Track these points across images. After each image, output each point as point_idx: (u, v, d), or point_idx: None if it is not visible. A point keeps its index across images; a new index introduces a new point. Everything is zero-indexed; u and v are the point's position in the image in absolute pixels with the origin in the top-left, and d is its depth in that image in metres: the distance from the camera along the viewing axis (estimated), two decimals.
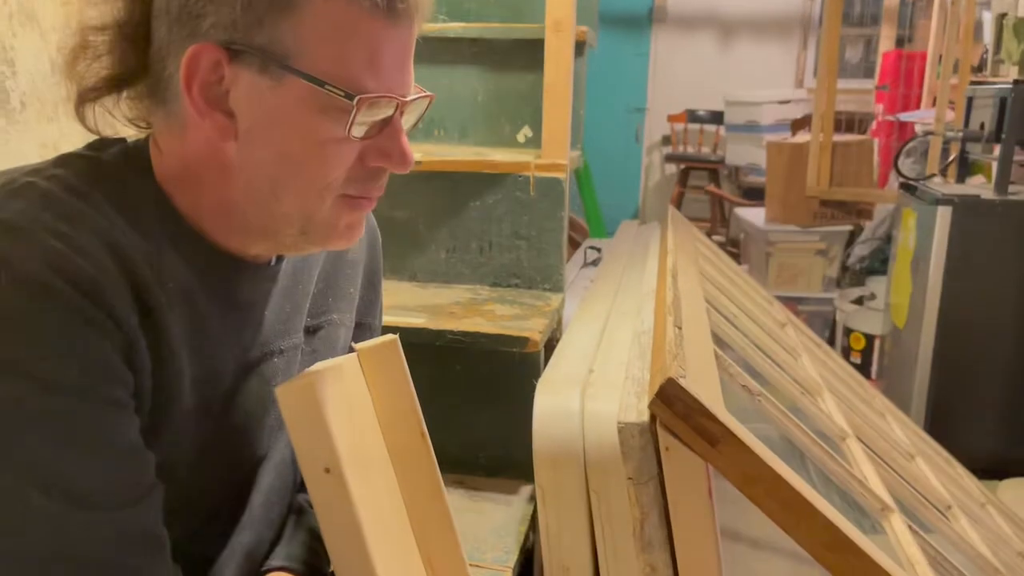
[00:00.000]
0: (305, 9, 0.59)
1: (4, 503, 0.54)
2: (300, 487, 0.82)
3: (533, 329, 1.51)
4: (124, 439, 0.59)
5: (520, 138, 1.95)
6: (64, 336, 0.55)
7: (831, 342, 3.21)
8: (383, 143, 0.65)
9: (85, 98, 0.67)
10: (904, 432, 1.65)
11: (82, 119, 0.68)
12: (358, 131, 0.63)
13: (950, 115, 3.01)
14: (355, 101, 0.60)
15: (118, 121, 0.69)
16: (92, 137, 0.69)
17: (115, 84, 0.66)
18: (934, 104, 3.15)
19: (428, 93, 0.69)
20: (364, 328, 0.93)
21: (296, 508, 0.83)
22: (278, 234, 0.68)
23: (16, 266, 0.54)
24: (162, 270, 0.64)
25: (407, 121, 0.68)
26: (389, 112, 0.64)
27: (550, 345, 1.59)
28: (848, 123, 4.01)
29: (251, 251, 0.71)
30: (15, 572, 0.54)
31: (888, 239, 2.94)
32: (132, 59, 0.65)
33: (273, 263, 0.76)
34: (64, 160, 0.64)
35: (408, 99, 0.66)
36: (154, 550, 0.61)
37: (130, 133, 0.70)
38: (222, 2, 0.59)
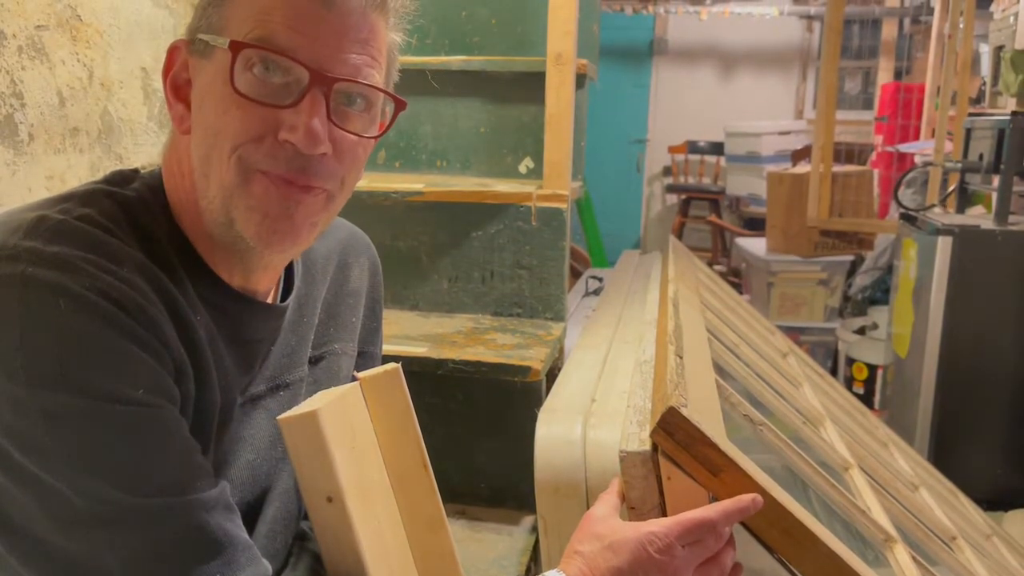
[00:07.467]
0: None
1: (104, 509, 0.56)
2: (304, 515, 0.82)
3: (535, 358, 1.52)
4: (186, 437, 0.62)
5: (522, 169, 1.96)
6: (122, 355, 0.57)
7: (833, 372, 3.21)
8: (291, 115, 0.63)
9: None
10: (907, 462, 1.64)
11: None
12: (245, 84, 0.63)
13: (949, 146, 3.03)
14: (227, 45, 0.62)
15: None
16: (101, 168, 0.70)
17: None
18: (933, 135, 3.17)
19: (381, 89, 0.68)
20: (366, 357, 0.93)
21: (299, 534, 0.83)
22: (216, 228, 0.67)
23: (74, 295, 0.56)
24: (191, 304, 0.65)
25: (357, 118, 0.67)
26: (303, 81, 0.63)
27: (552, 374, 1.60)
28: (848, 154, 4.04)
29: (251, 285, 0.73)
30: (144, 564, 0.57)
31: (889, 269, 2.95)
32: None
33: (280, 301, 0.77)
34: (89, 198, 0.65)
35: (327, 73, 0.63)
36: (238, 518, 0.64)
37: (141, 163, 0.71)
38: (199, 6, 0.67)
